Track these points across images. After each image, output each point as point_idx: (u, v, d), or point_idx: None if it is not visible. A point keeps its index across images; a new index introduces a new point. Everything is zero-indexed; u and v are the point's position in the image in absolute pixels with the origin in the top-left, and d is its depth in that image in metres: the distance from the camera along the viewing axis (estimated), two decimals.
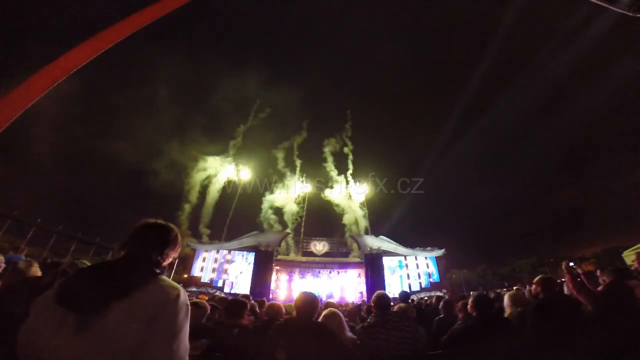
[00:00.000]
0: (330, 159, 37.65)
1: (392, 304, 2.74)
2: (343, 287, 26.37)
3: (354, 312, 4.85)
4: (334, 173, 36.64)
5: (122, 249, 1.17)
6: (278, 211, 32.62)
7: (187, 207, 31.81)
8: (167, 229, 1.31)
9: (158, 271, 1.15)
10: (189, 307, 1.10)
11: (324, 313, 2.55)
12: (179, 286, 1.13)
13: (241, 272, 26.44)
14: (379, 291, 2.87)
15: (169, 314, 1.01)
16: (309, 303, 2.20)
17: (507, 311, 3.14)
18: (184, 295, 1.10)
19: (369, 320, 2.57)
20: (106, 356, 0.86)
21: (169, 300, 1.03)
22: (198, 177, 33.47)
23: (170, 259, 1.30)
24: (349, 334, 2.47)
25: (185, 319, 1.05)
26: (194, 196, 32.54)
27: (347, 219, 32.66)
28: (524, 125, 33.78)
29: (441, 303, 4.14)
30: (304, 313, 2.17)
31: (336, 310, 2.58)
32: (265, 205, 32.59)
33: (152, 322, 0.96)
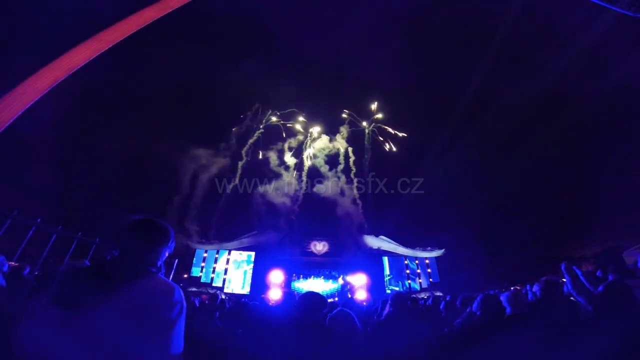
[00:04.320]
0: (323, 154, 37.57)
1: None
2: (343, 287, 26.34)
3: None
4: (333, 172, 36.67)
5: (116, 248, 1.19)
6: (275, 210, 32.60)
7: (177, 204, 31.51)
8: (159, 228, 1.28)
9: (154, 270, 1.15)
10: (184, 306, 1.09)
11: (331, 314, 2.53)
12: (174, 285, 1.13)
13: (243, 273, 26.44)
14: (396, 290, 2.92)
15: (161, 311, 1.01)
16: (314, 303, 2.20)
17: (508, 311, 3.15)
18: (178, 293, 1.09)
19: (384, 317, 2.59)
20: (95, 351, 0.87)
21: (161, 297, 1.04)
22: (191, 173, 33.27)
23: (165, 257, 1.29)
24: (357, 335, 2.45)
25: (178, 317, 1.05)
26: (185, 193, 32.34)
27: (346, 219, 32.63)
28: (524, 125, 33.83)
29: (443, 303, 4.16)
30: (308, 313, 2.17)
31: (346, 310, 2.56)
32: (261, 203, 32.51)
33: (143, 319, 0.96)
